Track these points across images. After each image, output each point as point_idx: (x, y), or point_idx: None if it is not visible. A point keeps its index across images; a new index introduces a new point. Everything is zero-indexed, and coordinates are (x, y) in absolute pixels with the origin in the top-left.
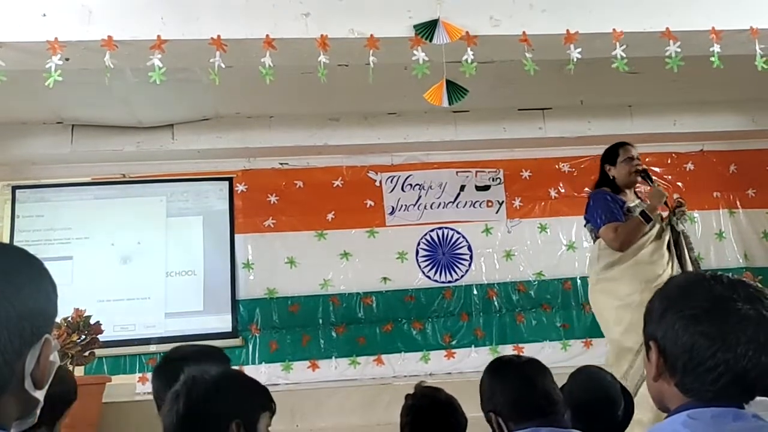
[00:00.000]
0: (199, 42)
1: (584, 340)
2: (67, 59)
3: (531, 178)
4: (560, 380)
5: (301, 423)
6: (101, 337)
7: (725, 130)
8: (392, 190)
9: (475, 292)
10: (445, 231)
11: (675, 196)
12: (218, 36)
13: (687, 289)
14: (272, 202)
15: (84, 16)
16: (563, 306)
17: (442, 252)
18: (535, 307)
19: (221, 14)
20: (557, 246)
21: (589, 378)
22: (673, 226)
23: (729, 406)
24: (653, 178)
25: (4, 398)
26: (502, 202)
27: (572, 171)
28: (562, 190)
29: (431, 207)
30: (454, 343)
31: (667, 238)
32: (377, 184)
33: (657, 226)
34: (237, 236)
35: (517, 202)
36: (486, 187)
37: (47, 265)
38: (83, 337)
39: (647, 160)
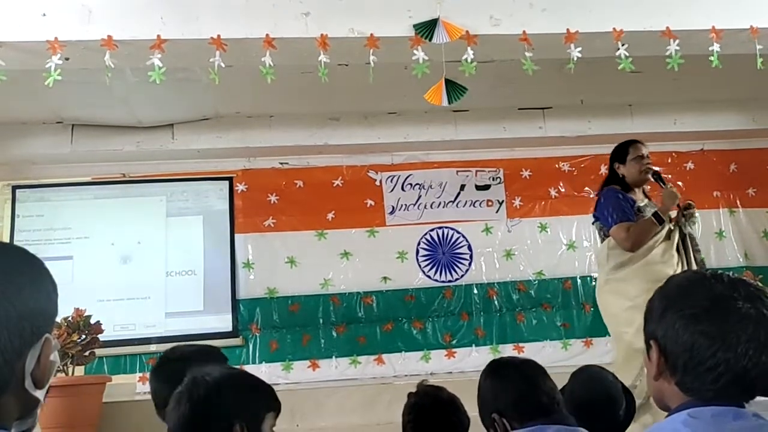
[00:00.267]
0: (199, 41)
1: (584, 339)
2: (67, 59)
3: (531, 178)
4: (561, 380)
5: (301, 423)
6: (101, 337)
7: (725, 129)
8: (392, 190)
9: (475, 291)
10: (445, 230)
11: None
12: (218, 35)
13: (687, 288)
14: (272, 202)
15: (84, 16)
16: (563, 305)
17: (442, 251)
18: (535, 306)
19: (221, 14)
20: (557, 245)
21: (590, 378)
22: (680, 228)
23: (729, 405)
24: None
25: (4, 398)
26: (502, 201)
27: (572, 170)
28: (563, 190)
29: (431, 206)
30: (454, 342)
31: (676, 239)
32: (377, 183)
33: (667, 227)
34: (237, 236)
35: (517, 202)
36: (486, 187)
37: (47, 264)
38: (83, 336)
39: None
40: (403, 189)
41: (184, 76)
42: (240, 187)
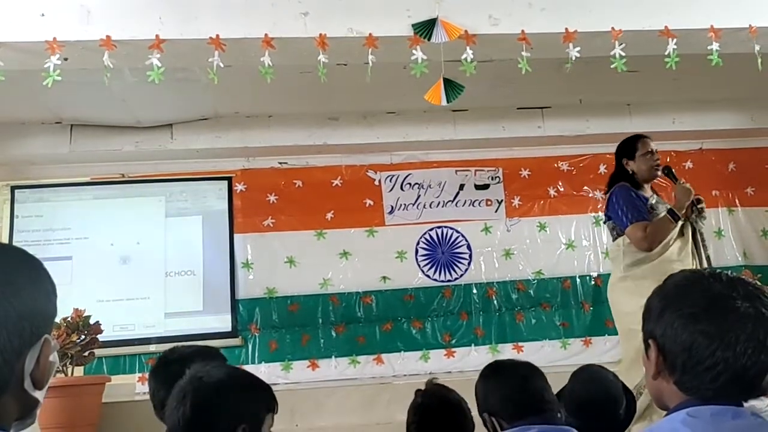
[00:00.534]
0: (198, 41)
1: (584, 338)
2: (65, 59)
3: (530, 177)
4: (560, 379)
5: (300, 422)
6: (101, 337)
7: (724, 128)
8: (391, 190)
9: (474, 291)
10: (445, 230)
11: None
12: (217, 35)
13: (686, 287)
14: (271, 202)
15: (82, 16)
16: (563, 305)
17: (441, 251)
18: (534, 305)
19: (220, 14)
20: (556, 245)
21: (591, 377)
22: (692, 224)
23: (728, 404)
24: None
25: (3, 398)
26: (501, 200)
27: (571, 169)
28: (561, 189)
29: (430, 206)
30: (453, 342)
31: (689, 235)
32: (376, 183)
33: (680, 223)
34: (236, 236)
35: (516, 201)
36: (485, 186)
37: (46, 265)
38: (83, 337)
39: None
40: (402, 189)
41: (183, 76)
42: (239, 187)
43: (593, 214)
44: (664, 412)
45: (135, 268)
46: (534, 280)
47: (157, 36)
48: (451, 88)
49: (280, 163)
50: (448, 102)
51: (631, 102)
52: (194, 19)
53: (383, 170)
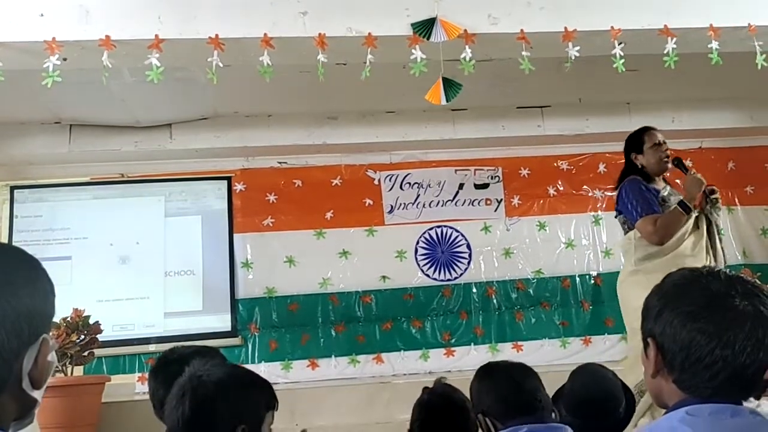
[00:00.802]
0: (197, 41)
1: (583, 337)
2: (64, 59)
3: (529, 176)
4: (560, 378)
5: (300, 422)
6: (100, 337)
7: (723, 127)
8: (391, 189)
9: (474, 290)
10: (444, 229)
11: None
12: (216, 35)
13: (684, 286)
14: (271, 201)
15: (81, 16)
16: (562, 304)
17: (441, 250)
18: (534, 305)
19: (219, 13)
20: (556, 244)
21: (590, 376)
22: (707, 216)
23: (727, 402)
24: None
25: (2, 398)
26: (501, 200)
27: (571, 169)
28: (561, 188)
29: (430, 205)
30: (453, 341)
31: (704, 228)
32: (376, 182)
33: (693, 216)
34: (236, 235)
35: (515, 200)
36: (485, 185)
37: (46, 265)
38: (82, 336)
39: None
40: (401, 188)
41: (182, 75)
42: (238, 187)
43: (593, 213)
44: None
45: (134, 268)
46: (533, 279)
47: (156, 36)
48: (450, 87)
49: (280, 162)
50: (447, 101)
51: (631, 101)
52: (193, 18)
53: (383, 170)
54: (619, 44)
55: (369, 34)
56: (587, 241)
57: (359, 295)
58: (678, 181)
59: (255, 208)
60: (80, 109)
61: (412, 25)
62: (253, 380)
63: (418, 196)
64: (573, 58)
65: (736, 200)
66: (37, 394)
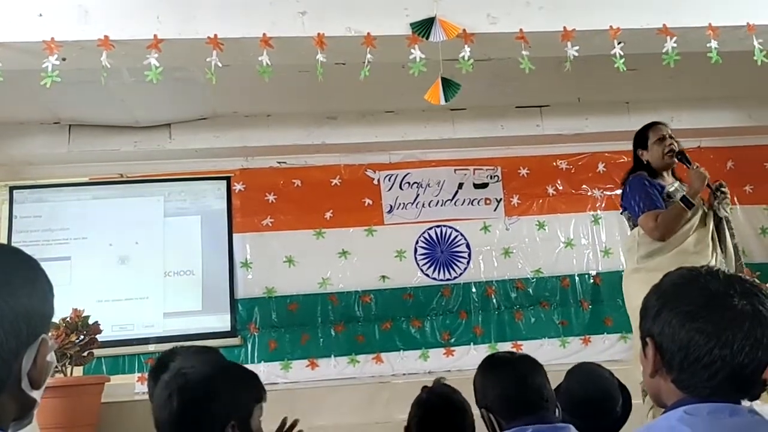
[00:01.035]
0: (196, 41)
1: (582, 337)
2: (63, 59)
3: (529, 176)
4: (559, 377)
5: (300, 422)
6: (100, 337)
7: (722, 126)
8: (390, 189)
9: (473, 289)
10: (444, 229)
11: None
12: (215, 35)
13: (683, 285)
14: (270, 201)
15: (80, 16)
16: (561, 303)
17: (440, 250)
18: (533, 304)
19: (218, 13)
20: (555, 243)
21: (587, 374)
22: (715, 212)
23: (726, 402)
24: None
25: (1, 398)
26: (500, 199)
27: (570, 168)
28: (560, 188)
29: (429, 205)
30: (452, 340)
31: (711, 225)
32: (375, 182)
33: (700, 212)
34: (235, 235)
35: (515, 200)
36: (484, 185)
37: (45, 265)
38: (82, 337)
39: None
40: (401, 188)
41: (181, 75)
42: (238, 187)
43: (592, 212)
44: None
45: (134, 268)
46: (533, 278)
47: (155, 36)
48: (449, 87)
49: (279, 162)
50: (446, 101)
51: (630, 100)
52: (192, 18)
53: (382, 169)
54: (618, 44)
55: (368, 33)
56: (586, 241)
57: (359, 294)
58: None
59: (254, 208)
60: (79, 109)
61: (411, 24)
62: (240, 374)
63: (418, 195)
64: (572, 57)
65: (735, 199)
66: (36, 395)
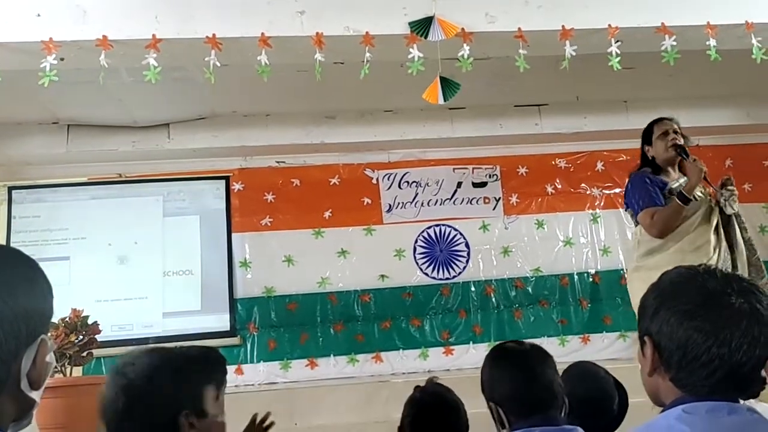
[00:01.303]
0: (195, 41)
1: (582, 335)
2: (62, 59)
3: (527, 175)
4: None
5: (299, 421)
6: (99, 337)
7: (721, 124)
8: (389, 188)
9: (472, 288)
10: (443, 228)
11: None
12: (213, 34)
13: (681, 284)
14: (269, 201)
15: (78, 16)
16: (561, 302)
17: (439, 249)
18: (532, 303)
19: (216, 13)
20: (554, 242)
21: (583, 373)
22: (721, 209)
23: (724, 400)
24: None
25: (0, 399)
26: (499, 198)
27: (569, 167)
28: (559, 186)
29: (428, 204)
30: (452, 339)
31: (715, 221)
32: (374, 181)
33: (703, 208)
34: (234, 235)
35: (513, 199)
36: (483, 184)
37: (44, 265)
38: (81, 337)
39: None
40: (400, 187)
41: (179, 75)
42: (236, 187)
43: (591, 211)
44: None
45: (133, 268)
46: (532, 277)
47: (153, 35)
48: (448, 86)
49: (278, 162)
50: (445, 100)
51: (628, 99)
52: (191, 18)
53: (381, 168)
54: (616, 42)
55: (366, 33)
56: (585, 239)
57: (358, 294)
58: None
59: (253, 208)
60: (78, 109)
61: (409, 23)
62: (184, 360)
63: (417, 194)
64: (570, 56)
65: None
66: (35, 395)
